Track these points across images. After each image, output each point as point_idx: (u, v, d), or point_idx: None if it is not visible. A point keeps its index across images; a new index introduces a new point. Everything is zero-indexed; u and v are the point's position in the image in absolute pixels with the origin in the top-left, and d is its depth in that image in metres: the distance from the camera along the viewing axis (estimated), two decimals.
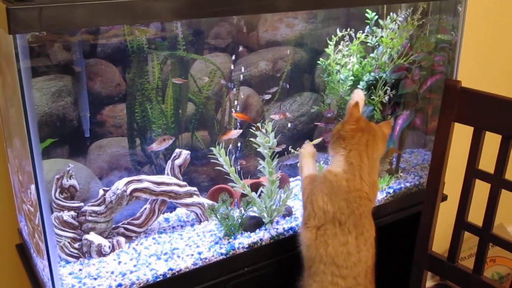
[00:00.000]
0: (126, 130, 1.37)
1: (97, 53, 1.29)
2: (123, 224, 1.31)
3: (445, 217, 1.52)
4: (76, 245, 1.22)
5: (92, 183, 1.34)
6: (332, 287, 1.22)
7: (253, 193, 1.36)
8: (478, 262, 1.37)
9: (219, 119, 1.49)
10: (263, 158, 1.36)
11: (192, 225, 1.38)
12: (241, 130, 1.43)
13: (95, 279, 1.16)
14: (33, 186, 1.04)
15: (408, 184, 1.60)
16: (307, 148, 1.33)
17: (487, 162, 1.34)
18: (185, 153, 1.35)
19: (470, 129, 1.33)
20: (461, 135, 1.41)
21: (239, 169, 1.48)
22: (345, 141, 1.20)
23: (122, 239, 1.28)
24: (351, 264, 1.21)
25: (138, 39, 1.31)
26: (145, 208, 1.33)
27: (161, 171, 1.41)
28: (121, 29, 1.29)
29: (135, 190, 1.27)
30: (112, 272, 1.18)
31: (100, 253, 1.23)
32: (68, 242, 1.22)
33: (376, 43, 1.50)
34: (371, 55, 1.52)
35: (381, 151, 1.24)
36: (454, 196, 1.49)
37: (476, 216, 1.39)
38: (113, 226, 1.30)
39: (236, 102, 1.49)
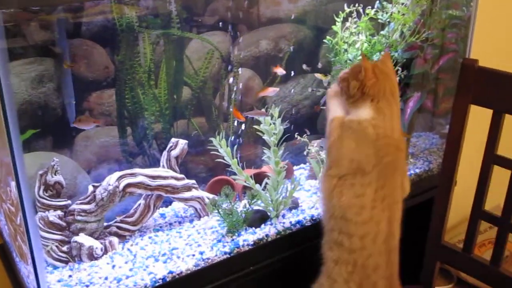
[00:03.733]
0: (116, 118, 1.26)
1: (82, 32, 1.16)
2: (115, 222, 1.23)
3: (453, 204, 1.45)
4: (64, 248, 1.13)
5: (79, 178, 1.24)
6: (337, 247, 1.13)
7: (257, 185, 1.26)
8: (496, 253, 1.30)
9: (218, 104, 1.37)
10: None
11: (191, 221, 1.28)
12: (278, 89, 1.36)
13: (87, 286, 1.07)
14: (13, 183, 0.95)
15: (417, 170, 1.52)
16: (335, 87, 1.20)
17: (502, 147, 1.27)
18: (182, 143, 1.25)
19: (480, 111, 1.24)
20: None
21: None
22: (372, 96, 1.10)
23: (115, 240, 1.18)
24: (360, 220, 1.11)
25: (128, 16, 1.17)
26: (139, 204, 1.24)
27: (155, 163, 1.30)
28: (108, 5, 1.15)
29: (128, 185, 1.16)
30: (106, 278, 1.08)
31: (92, 256, 1.13)
32: (56, 246, 1.12)
33: (387, 20, 1.39)
34: (382, 32, 1.41)
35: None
36: (463, 183, 1.41)
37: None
38: (105, 225, 1.20)
39: (235, 87, 1.37)
